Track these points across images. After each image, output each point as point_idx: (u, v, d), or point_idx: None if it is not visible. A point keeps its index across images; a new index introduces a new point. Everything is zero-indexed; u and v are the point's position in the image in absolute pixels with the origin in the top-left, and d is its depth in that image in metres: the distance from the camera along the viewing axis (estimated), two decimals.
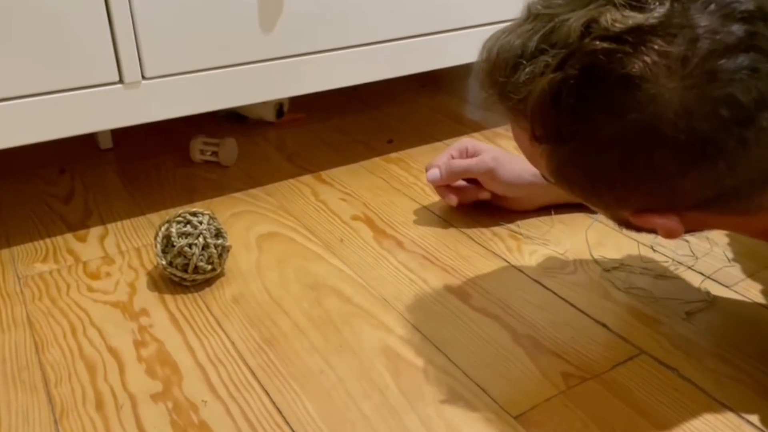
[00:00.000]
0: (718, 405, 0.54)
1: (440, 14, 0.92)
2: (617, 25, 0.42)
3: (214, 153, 0.98)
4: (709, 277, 0.69)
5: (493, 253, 0.75)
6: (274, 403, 0.55)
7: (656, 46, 0.42)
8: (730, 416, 0.53)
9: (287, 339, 0.62)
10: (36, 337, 0.63)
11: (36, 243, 0.79)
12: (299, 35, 0.82)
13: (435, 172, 0.78)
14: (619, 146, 0.45)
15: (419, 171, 0.94)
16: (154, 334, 0.63)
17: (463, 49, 0.95)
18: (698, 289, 0.68)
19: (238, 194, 0.89)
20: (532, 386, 0.56)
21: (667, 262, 0.72)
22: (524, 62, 0.46)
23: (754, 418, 0.53)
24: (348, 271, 0.72)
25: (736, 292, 0.67)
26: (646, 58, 0.42)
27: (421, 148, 1.02)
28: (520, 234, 0.78)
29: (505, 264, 0.73)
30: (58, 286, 0.70)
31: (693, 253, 0.73)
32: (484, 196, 0.79)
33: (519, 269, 0.72)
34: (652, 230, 0.52)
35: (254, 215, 0.84)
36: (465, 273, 0.72)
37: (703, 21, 0.42)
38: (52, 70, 0.70)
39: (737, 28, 0.42)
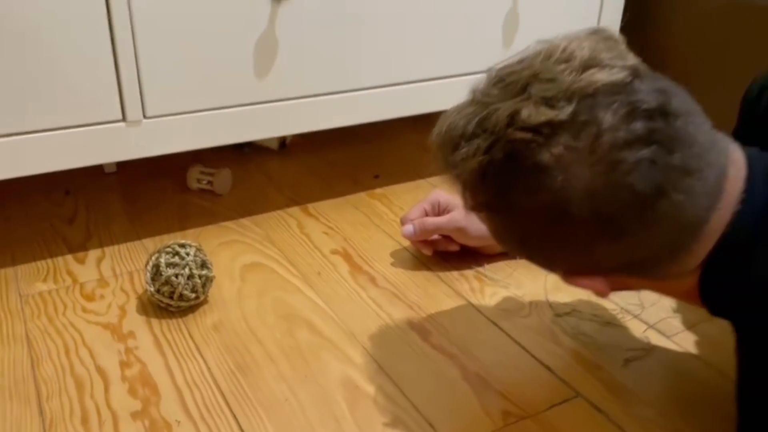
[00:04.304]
0: None
1: (428, 63, 0.98)
2: (533, 118, 0.49)
3: (210, 182, 1.04)
4: (651, 327, 0.75)
5: (458, 293, 0.81)
6: (240, 426, 0.61)
7: (563, 140, 0.48)
8: None
9: (258, 367, 0.69)
10: (33, 353, 0.70)
11: (38, 263, 0.85)
12: (292, 81, 0.89)
13: (409, 229, 0.84)
14: (537, 220, 0.51)
15: (400, 209, 1.01)
16: (138, 355, 0.70)
17: (449, 95, 1.02)
18: (639, 338, 0.73)
19: (228, 223, 0.96)
20: (473, 422, 0.62)
21: (615, 310, 0.78)
22: (463, 142, 0.52)
23: None
24: (321, 304, 0.79)
25: (674, 342, 0.73)
26: (554, 150, 0.48)
27: (405, 185, 1.08)
28: (485, 276, 0.84)
29: (467, 304, 0.79)
30: (55, 306, 0.77)
31: (641, 303, 0.79)
32: (454, 248, 0.86)
33: (479, 310, 0.78)
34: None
35: (241, 245, 0.91)
36: (429, 311, 0.78)
37: (607, 119, 0.48)
38: (63, 109, 0.77)
39: (639, 125, 0.48)
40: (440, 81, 1.01)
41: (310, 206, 1.01)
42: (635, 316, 0.77)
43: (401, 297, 0.80)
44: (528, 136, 0.49)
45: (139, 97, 0.81)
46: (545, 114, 0.49)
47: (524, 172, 0.50)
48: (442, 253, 0.88)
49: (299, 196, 1.04)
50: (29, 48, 0.73)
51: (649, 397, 0.65)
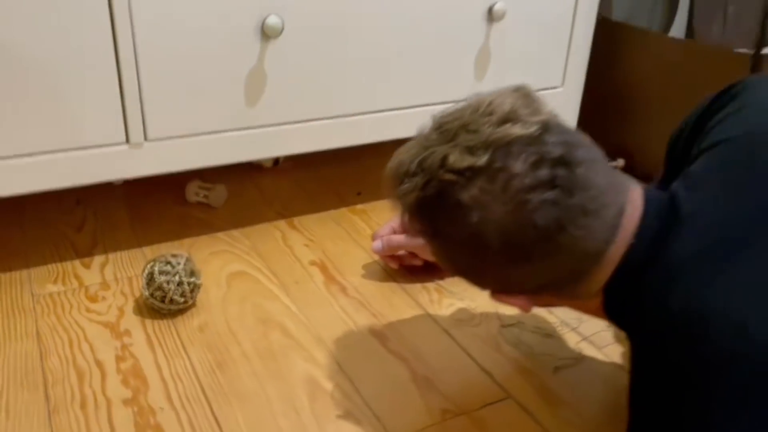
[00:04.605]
0: None
1: (405, 93, 1.08)
2: (458, 163, 0.58)
3: (206, 196, 1.15)
4: (586, 339, 0.84)
5: (418, 304, 0.91)
6: (215, 415, 0.72)
7: (479, 182, 0.58)
8: None
9: (235, 364, 0.79)
10: (41, 347, 0.80)
11: (50, 266, 0.96)
12: (279, 109, 0.99)
13: (377, 245, 0.95)
14: (461, 247, 0.61)
15: (377, 224, 1.10)
16: (132, 351, 0.80)
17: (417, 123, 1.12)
18: (573, 349, 0.83)
19: (220, 234, 1.07)
20: (415, 417, 0.72)
21: (556, 323, 0.87)
22: (406, 179, 0.62)
23: None
24: (295, 310, 0.89)
25: (604, 353, 0.82)
26: (473, 191, 0.58)
27: (384, 202, 1.18)
28: (445, 289, 0.94)
29: (425, 314, 0.89)
30: (63, 306, 0.88)
31: (580, 317, 0.88)
32: (417, 262, 0.96)
33: (434, 319, 0.88)
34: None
35: (229, 255, 1.01)
36: (390, 319, 0.88)
37: (517, 167, 0.57)
38: (75, 133, 0.88)
39: (544, 172, 0.57)
40: (417, 109, 1.10)
41: (296, 220, 1.11)
42: (573, 329, 0.86)
43: (367, 306, 0.90)
44: (454, 177, 0.59)
45: (141, 122, 0.92)
46: (467, 160, 0.59)
47: (449, 208, 0.60)
48: (409, 267, 0.98)
49: (287, 210, 1.14)
50: (47, 82, 0.84)
51: (573, 401, 0.75)
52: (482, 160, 0.58)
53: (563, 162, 0.58)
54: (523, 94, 0.63)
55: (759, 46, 1.05)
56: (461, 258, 0.63)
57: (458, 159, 0.59)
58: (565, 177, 0.58)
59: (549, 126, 0.60)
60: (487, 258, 0.61)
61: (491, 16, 1.09)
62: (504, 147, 0.59)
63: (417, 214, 0.63)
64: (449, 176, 0.59)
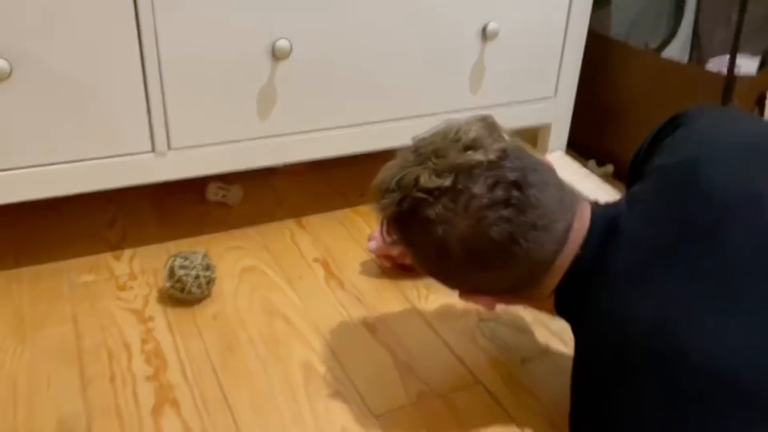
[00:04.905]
0: (518, 429, 0.80)
1: (404, 105, 1.18)
2: (427, 184, 0.69)
3: (224, 195, 1.27)
4: (554, 334, 0.94)
5: (407, 299, 1.02)
6: (222, 390, 0.84)
7: (443, 201, 0.68)
8: None
9: (242, 348, 0.91)
10: (78, 330, 0.93)
11: (85, 258, 1.09)
12: (288, 121, 1.11)
13: (372, 245, 1.05)
14: (431, 255, 0.72)
15: (377, 224, 1.21)
16: (155, 335, 0.93)
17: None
18: (541, 343, 0.93)
19: (235, 231, 1.18)
20: (393, 397, 0.83)
21: (529, 319, 0.98)
22: (386, 194, 0.73)
23: None
24: (298, 302, 1.00)
25: (569, 348, 0.92)
26: (438, 208, 0.68)
27: None
28: (432, 285, 1.05)
29: (412, 308, 1.00)
30: (96, 294, 1.01)
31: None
32: (408, 261, 1.06)
33: (420, 313, 0.99)
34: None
35: (243, 251, 1.13)
36: (380, 312, 0.99)
37: (477, 188, 0.68)
38: (108, 143, 1.01)
39: (500, 193, 0.67)
40: (415, 119, 1.21)
41: (303, 219, 1.23)
42: (543, 325, 0.96)
43: (361, 300, 1.01)
44: (424, 196, 0.70)
45: (165, 134, 1.04)
46: (435, 182, 0.69)
47: (420, 222, 0.70)
48: (401, 265, 1.08)
49: (296, 210, 1.26)
50: (85, 100, 0.96)
51: (536, 390, 0.85)
52: (447, 181, 0.69)
53: (517, 185, 0.68)
54: (488, 123, 0.73)
55: (732, 67, 1.13)
56: (431, 264, 0.74)
57: (428, 180, 0.69)
58: (518, 197, 0.68)
59: (508, 153, 0.70)
60: (452, 265, 0.71)
61: (485, 35, 1.19)
62: (467, 171, 0.69)
63: (394, 226, 0.74)
64: (420, 195, 0.70)
